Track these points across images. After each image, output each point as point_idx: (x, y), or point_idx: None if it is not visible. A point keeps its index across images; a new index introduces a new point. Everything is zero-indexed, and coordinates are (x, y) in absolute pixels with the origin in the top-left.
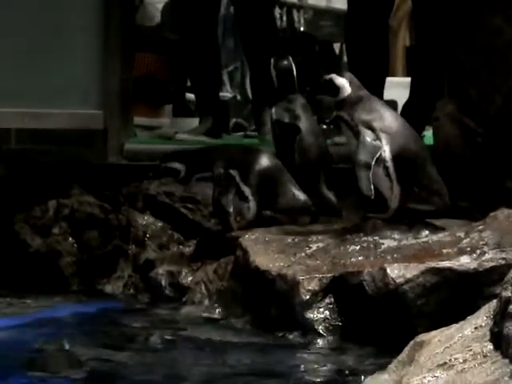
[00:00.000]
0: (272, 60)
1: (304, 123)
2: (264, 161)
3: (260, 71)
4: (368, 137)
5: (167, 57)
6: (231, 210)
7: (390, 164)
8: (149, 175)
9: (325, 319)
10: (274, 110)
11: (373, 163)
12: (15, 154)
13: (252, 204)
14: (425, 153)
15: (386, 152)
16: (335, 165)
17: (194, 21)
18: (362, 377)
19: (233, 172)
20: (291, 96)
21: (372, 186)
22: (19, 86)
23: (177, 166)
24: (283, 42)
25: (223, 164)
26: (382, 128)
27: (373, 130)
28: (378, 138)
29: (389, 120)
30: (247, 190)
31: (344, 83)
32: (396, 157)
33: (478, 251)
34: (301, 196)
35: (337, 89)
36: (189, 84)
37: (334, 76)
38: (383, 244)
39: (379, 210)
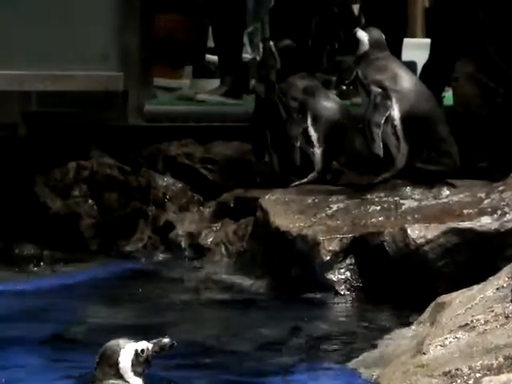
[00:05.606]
0: (272, 43)
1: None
2: (337, 112)
3: None
4: (378, 96)
5: (188, 18)
6: (298, 144)
7: (398, 123)
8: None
9: (345, 280)
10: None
11: (382, 122)
12: (36, 116)
13: (317, 151)
14: (437, 113)
15: (395, 111)
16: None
17: None
18: (383, 336)
19: (308, 112)
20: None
21: (381, 145)
22: (39, 48)
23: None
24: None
25: (300, 99)
26: (393, 87)
27: (384, 89)
28: (388, 97)
29: (401, 79)
30: (314, 136)
31: (364, 37)
32: (406, 116)
33: (499, 212)
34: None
35: (357, 42)
36: (209, 45)
37: (357, 29)
38: (404, 204)
39: (385, 169)
